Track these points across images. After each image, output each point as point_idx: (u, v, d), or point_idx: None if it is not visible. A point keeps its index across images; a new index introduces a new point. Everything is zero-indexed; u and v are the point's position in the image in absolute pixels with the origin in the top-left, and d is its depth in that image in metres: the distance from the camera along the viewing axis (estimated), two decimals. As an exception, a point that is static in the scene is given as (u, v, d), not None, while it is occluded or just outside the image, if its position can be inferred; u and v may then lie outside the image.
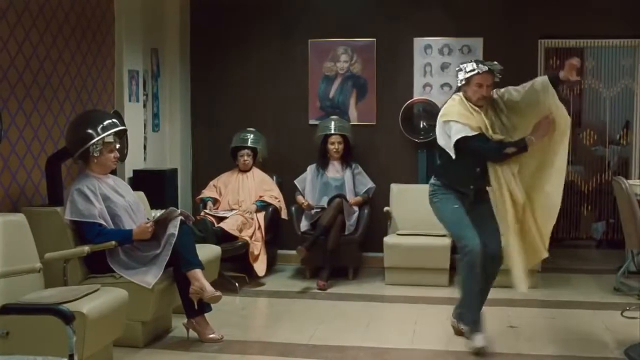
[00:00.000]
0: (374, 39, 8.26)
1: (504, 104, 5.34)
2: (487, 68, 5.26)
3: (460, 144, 5.20)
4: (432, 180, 5.53)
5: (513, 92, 5.31)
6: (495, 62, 5.36)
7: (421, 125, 8.16)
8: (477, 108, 5.26)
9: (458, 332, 5.58)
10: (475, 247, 5.17)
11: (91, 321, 4.34)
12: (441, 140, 5.35)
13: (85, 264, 5.26)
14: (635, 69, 8.17)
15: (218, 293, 5.36)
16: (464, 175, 5.38)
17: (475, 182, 5.40)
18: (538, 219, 5.24)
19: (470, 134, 5.16)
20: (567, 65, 5.02)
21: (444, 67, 8.18)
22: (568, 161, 5.35)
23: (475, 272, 5.22)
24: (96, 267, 5.26)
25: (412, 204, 7.84)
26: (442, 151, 5.35)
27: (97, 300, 4.54)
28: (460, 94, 5.36)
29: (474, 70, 5.24)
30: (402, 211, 7.89)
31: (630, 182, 6.31)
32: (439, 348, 5.42)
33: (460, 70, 5.34)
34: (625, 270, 7.27)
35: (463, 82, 5.30)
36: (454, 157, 5.23)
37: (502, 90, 5.36)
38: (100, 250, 5.16)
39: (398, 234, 7.64)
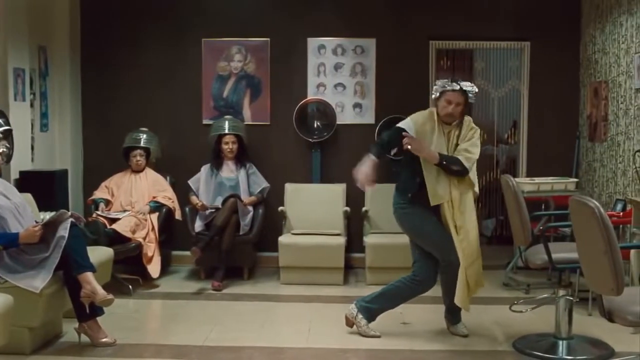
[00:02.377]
0: (268, 39, 8.25)
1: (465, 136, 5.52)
2: (458, 87, 5.42)
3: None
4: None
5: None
6: (472, 85, 5.51)
7: (315, 125, 8.21)
8: (444, 125, 5.46)
9: (351, 324, 5.68)
10: None
11: (-28, 328, 4.18)
12: None
13: (-33, 268, 5.06)
14: (522, 70, 8.42)
15: (110, 296, 5.25)
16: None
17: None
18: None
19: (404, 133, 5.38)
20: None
21: (337, 67, 8.25)
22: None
23: None
24: (-22, 271, 5.06)
25: (306, 203, 7.91)
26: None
27: (-22, 306, 4.38)
28: (434, 108, 5.55)
29: (445, 87, 5.45)
30: (297, 211, 7.93)
31: (518, 180, 6.50)
32: (333, 346, 5.46)
33: (436, 84, 5.56)
34: (513, 266, 7.50)
35: (437, 95, 5.49)
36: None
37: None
38: (-17, 254, 4.98)
39: (293, 234, 7.66)
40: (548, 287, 6.95)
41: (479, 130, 5.56)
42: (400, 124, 5.51)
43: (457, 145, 5.47)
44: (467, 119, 5.57)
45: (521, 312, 5.90)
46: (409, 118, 5.54)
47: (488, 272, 7.75)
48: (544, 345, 5.29)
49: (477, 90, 5.53)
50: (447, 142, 5.46)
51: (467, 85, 5.47)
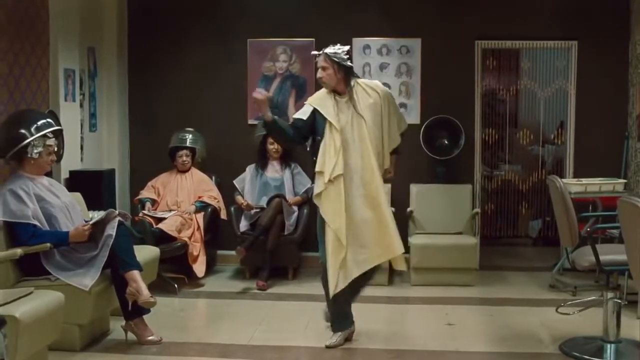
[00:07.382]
0: (313, 39, 8.25)
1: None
2: (321, 52, 5.61)
3: None
4: None
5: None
6: (339, 47, 5.61)
7: (360, 125, 8.18)
8: (339, 96, 5.59)
9: None
10: None
11: (24, 325, 4.25)
12: None
13: (19, 266, 5.14)
14: (569, 70, 8.31)
15: (153, 299, 5.28)
16: None
17: None
18: None
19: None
20: None
21: (382, 67, 8.23)
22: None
23: None
24: (30, 269, 5.14)
25: (351, 203, 7.87)
26: None
27: (30, 304, 4.45)
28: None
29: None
30: (342, 211, 7.90)
31: (565, 180, 6.42)
32: (379, 347, 5.46)
33: None
34: (560, 268, 7.42)
35: None
36: None
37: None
38: (35, 252, 5.06)
39: (337, 234, 7.64)
40: (595, 289, 6.85)
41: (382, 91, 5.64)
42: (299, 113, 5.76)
43: (356, 112, 5.48)
44: (359, 81, 5.61)
45: (568, 314, 5.84)
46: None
47: (534, 273, 7.76)
48: (591, 349, 5.22)
49: (343, 49, 5.55)
50: (347, 111, 5.50)
51: (330, 48, 5.56)
